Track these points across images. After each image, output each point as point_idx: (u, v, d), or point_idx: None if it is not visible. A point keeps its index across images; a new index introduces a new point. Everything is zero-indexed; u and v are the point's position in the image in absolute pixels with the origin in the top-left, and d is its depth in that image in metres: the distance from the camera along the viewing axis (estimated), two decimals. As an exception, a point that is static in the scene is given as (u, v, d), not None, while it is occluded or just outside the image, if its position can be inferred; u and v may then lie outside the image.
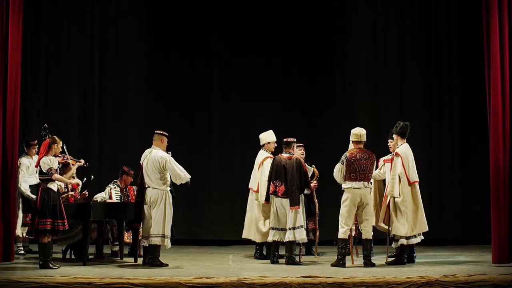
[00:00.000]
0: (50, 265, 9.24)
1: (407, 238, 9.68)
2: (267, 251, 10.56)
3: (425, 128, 13.12)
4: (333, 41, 13.38)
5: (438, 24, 13.29)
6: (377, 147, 11.05)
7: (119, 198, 10.83)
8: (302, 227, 9.89)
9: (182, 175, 9.64)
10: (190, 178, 9.77)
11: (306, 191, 10.19)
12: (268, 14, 13.30)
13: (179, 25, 13.30)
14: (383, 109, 13.29)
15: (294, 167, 9.96)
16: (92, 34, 13.32)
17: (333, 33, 13.38)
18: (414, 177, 9.78)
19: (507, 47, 9.78)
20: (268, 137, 10.87)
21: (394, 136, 10.04)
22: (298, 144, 10.92)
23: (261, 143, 10.89)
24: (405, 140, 9.96)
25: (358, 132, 9.80)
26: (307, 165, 10.32)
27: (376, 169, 10.15)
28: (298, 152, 10.91)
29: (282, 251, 10.12)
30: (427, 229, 9.86)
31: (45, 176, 9.32)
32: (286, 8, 13.29)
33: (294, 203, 9.86)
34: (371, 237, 9.65)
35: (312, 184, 10.53)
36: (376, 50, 13.37)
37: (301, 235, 9.88)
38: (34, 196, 10.18)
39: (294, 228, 9.85)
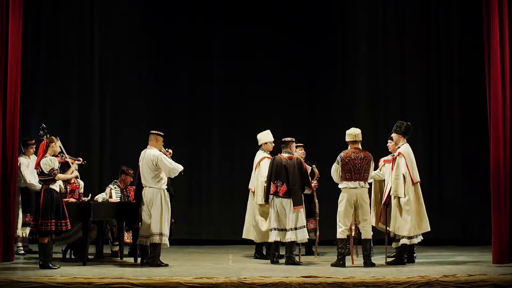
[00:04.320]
0: (50, 265, 9.23)
1: (409, 238, 9.67)
2: (267, 251, 10.56)
3: (425, 128, 13.11)
4: (333, 41, 13.38)
5: (438, 24, 13.28)
6: (377, 147, 11.07)
7: (119, 198, 10.83)
8: (304, 227, 9.89)
9: (172, 168, 9.67)
10: (182, 169, 9.82)
11: (306, 191, 10.19)
12: (268, 14, 13.29)
13: (179, 25, 13.29)
14: (383, 109, 13.29)
15: (296, 167, 9.94)
16: (92, 33, 13.32)
17: (333, 33, 13.38)
18: (417, 177, 9.77)
19: (507, 47, 9.77)
20: (265, 137, 10.87)
21: (395, 136, 9.98)
22: (297, 144, 10.90)
23: (259, 143, 10.90)
24: (405, 140, 9.95)
25: (353, 132, 9.73)
26: (306, 165, 10.31)
27: (376, 169, 10.15)
28: (299, 152, 10.90)
29: (282, 251, 10.12)
30: (429, 229, 9.85)
31: (47, 177, 9.31)
32: (286, 8, 13.28)
33: (297, 203, 9.84)
34: (370, 237, 9.63)
35: (312, 184, 10.54)
36: (376, 50, 13.36)
37: (303, 236, 9.88)
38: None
39: (296, 229, 9.83)
